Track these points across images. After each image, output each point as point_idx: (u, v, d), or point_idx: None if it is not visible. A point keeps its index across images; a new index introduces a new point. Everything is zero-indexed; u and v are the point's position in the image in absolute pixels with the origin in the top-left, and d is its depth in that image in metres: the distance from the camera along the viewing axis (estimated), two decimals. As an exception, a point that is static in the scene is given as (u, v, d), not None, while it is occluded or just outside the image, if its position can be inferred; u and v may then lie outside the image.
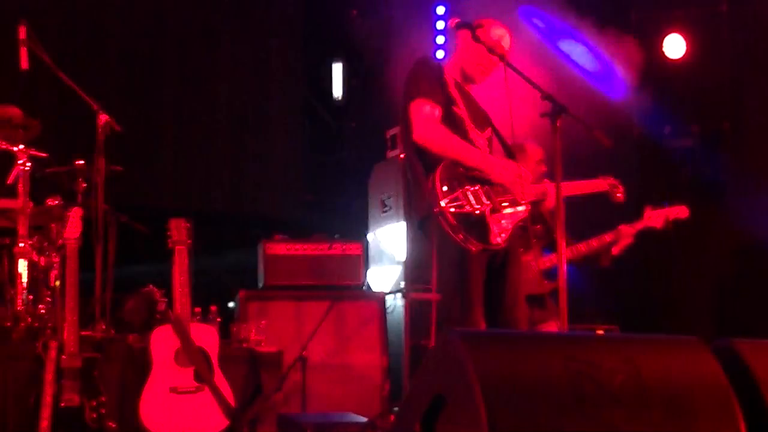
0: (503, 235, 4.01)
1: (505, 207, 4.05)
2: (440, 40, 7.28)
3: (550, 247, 5.32)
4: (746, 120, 6.76)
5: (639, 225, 5.38)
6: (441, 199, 3.89)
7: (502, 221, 4.02)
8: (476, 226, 3.93)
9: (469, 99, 4.30)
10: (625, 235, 5.39)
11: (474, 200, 3.96)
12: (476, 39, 4.17)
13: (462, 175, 4.00)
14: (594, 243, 5.41)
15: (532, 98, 4.02)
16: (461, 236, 3.87)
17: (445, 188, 3.92)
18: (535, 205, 4.24)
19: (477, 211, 3.94)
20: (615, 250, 5.44)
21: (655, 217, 5.35)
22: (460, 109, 4.17)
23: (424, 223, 4.10)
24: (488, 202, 3.99)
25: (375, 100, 7.81)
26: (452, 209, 3.89)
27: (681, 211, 5.38)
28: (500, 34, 4.30)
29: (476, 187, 4.00)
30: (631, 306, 6.74)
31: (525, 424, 2.08)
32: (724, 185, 6.79)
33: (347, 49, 8.39)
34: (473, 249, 3.89)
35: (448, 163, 4.00)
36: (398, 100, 4.28)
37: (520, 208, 4.12)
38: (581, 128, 3.92)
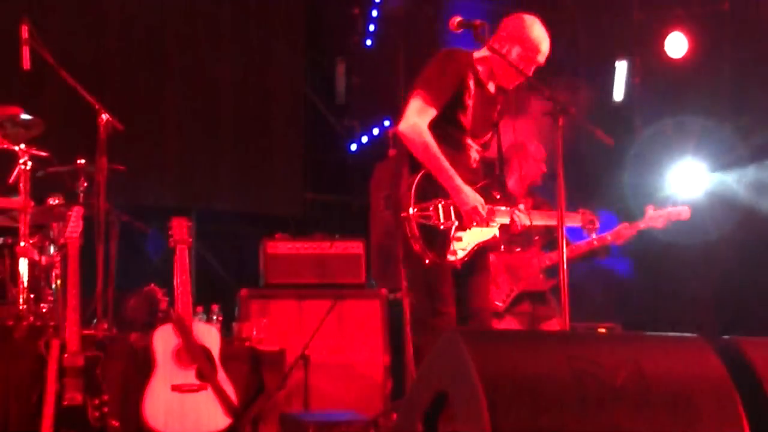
0: (461, 253, 3.92)
1: (473, 227, 3.96)
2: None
3: (551, 245, 5.31)
4: (746, 119, 6.75)
5: (640, 225, 5.35)
6: (410, 206, 3.86)
7: (465, 240, 3.96)
8: (436, 240, 3.85)
9: (482, 100, 4.11)
10: (623, 235, 5.36)
11: (442, 214, 3.88)
12: (479, 40, 4.05)
13: (440, 187, 3.91)
14: (594, 242, 5.40)
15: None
16: (418, 247, 3.83)
17: (418, 196, 3.86)
18: (506, 230, 4.16)
19: (442, 226, 3.89)
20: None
21: (656, 218, 5.32)
22: (465, 117, 4.06)
23: (399, 223, 4.00)
24: (455, 220, 3.93)
25: (377, 98, 7.81)
26: (418, 218, 3.84)
27: (683, 213, 5.35)
28: (542, 38, 4.08)
29: (449, 201, 3.92)
30: (633, 303, 6.73)
31: (527, 423, 2.08)
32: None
33: (349, 48, 8.39)
34: (427, 261, 3.85)
35: (430, 172, 3.93)
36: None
37: (487, 230, 4.03)
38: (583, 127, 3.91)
